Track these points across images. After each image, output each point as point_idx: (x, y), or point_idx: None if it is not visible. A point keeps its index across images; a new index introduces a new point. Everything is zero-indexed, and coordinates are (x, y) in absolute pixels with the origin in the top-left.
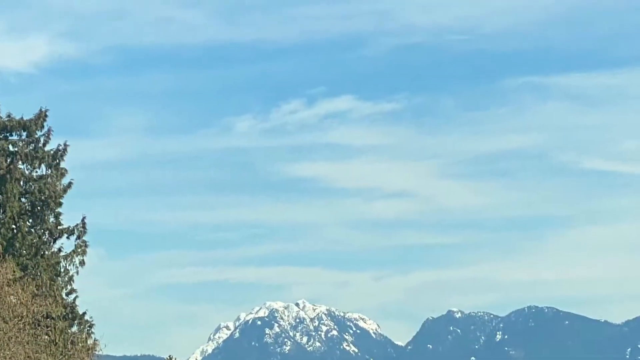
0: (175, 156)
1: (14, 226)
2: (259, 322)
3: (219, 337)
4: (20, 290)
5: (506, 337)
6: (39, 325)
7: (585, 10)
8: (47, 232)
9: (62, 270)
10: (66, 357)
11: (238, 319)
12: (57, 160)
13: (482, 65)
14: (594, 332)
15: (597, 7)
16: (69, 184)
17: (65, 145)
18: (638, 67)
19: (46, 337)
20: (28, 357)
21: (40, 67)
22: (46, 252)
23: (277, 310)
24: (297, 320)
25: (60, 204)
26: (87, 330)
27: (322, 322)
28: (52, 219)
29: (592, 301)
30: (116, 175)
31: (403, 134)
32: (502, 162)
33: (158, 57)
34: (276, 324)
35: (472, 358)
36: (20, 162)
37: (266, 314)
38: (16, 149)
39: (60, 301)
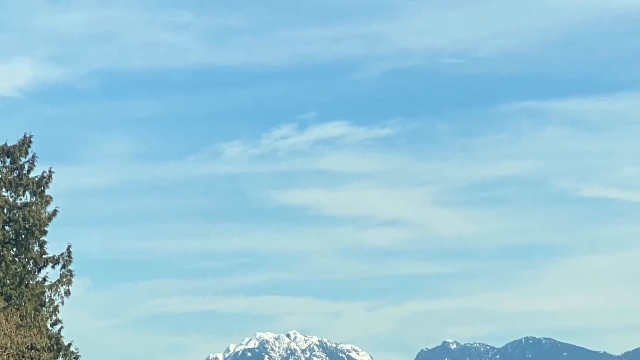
0: (163, 183)
1: None
2: (249, 354)
3: None
4: (4, 321)
5: None
6: (23, 356)
7: (583, 34)
8: (31, 261)
9: (47, 300)
10: None
11: (227, 350)
12: (42, 188)
13: (477, 89)
14: None
15: (596, 30)
16: (54, 212)
17: (50, 172)
18: (638, 92)
19: None
20: None
21: (24, 92)
22: (31, 282)
23: (267, 341)
24: (288, 351)
25: (45, 232)
26: None
27: (313, 353)
28: (36, 248)
29: (591, 332)
30: (102, 203)
31: (397, 161)
32: (498, 189)
33: (145, 81)
34: (267, 356)
35: None
36: (3, 189)
37: (256, 345)
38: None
39: (45, 332)
